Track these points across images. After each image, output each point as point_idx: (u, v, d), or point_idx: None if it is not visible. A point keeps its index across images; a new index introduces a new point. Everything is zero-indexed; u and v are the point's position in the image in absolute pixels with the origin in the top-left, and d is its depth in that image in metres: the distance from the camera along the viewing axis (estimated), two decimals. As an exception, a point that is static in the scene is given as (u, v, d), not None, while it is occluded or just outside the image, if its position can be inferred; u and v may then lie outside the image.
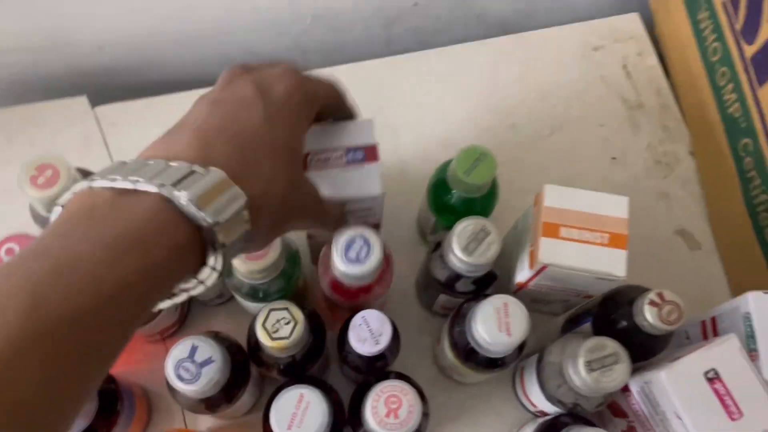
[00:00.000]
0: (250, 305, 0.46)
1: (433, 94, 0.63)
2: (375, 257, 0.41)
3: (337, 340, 0.46)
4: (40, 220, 0.45)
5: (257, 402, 0.50)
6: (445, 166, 0.48)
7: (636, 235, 0.44)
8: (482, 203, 0.48)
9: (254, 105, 0.32)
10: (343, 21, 0.66)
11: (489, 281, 0.47)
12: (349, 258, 0.41)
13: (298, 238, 0.47)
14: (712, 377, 0.39)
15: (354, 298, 0.45)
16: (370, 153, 0.44)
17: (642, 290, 0.43)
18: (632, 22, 0.67)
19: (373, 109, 0.62)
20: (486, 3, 0.69)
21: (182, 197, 0.26)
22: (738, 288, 0.55)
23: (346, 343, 0.44)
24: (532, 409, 0.50)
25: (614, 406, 0.47)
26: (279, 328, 0.40)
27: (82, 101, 0.60)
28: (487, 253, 0.42)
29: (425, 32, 0.71)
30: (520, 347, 0.44)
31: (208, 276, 0.28)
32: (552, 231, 0.43)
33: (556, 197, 0.43)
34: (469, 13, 0.70)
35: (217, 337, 0.43)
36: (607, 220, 0.43)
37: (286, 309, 0.40)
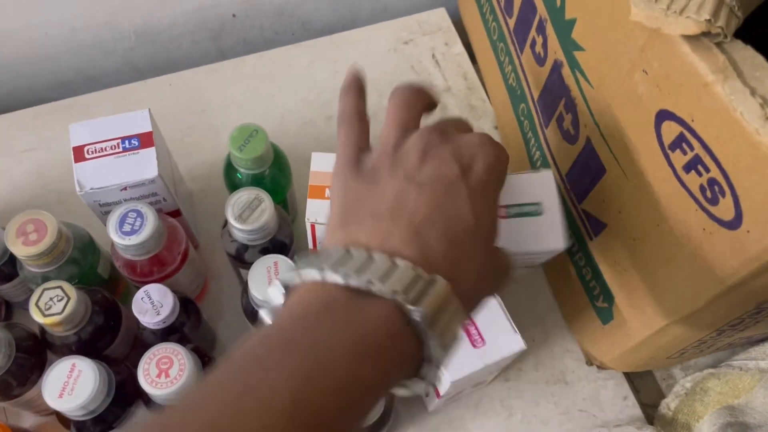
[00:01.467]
0: (47, 296, 0.48)
1: (254, 94, 0.67)
2: (149, 226, 0.44)
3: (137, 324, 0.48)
4: None
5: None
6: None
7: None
8: (271, 179, 0.51)
9: (458, 189, 0.30)
10: (169, 36, 0.70)
11: (279, 250, 0.50)
12: (124, 231, 0.44)
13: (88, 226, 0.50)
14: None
15: (148, 276, 0.47)
16: (145, 139, 0.47)
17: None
18: (439, 15, 0.73)
19: (195, 113, 0.66)
20: (308, 12, 0.74)
21: (415, 313, 0.26)
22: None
23: (139, 323, 0.46)
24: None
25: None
26: (52, 306, 0.42)
27: None
28: (260, 218, 0.46)
29: (255, 43, 0.75)
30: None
31: (416, 385, 0.28)
32: (318, 193, 0.46)
33: (321, 162, 0.47)
34: (293, 23, 0.74)
35: (8, 326, 0.45)
36: (363, 177, 0.46)
37: (60, 287, 0.42)
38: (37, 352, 0.45)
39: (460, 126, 0.35)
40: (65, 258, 0.46)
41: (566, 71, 0.47)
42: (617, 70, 0.40)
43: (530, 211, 0.44)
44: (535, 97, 0.55)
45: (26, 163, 0.62)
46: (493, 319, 0.44)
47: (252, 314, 0.47)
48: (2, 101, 0.67)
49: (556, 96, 0.50)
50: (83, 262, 0.47)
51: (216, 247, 0.59)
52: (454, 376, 0.43)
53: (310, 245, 0.49)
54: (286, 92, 0.68)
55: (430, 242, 0.29)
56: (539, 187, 0.45)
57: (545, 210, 0.44)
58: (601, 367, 0.56)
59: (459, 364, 0.43)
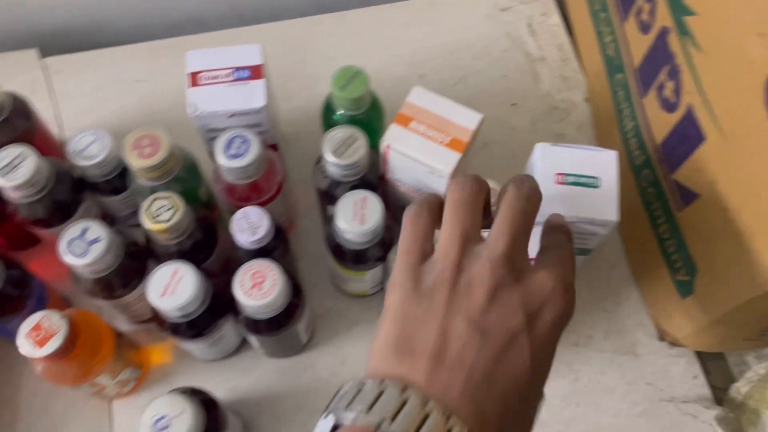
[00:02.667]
0: (152, 210, 0.51)
1: (351, 48, 0.69)
2: (253, 151, 0.46)
3: (230, 246, 0.51)
4: None
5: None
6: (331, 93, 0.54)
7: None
8: (367, 123, 0.53)
9: (522, 342, 0.29)
10: (274, -13, 0.73)
11: (367, 188, 0.51)
12: (230, 154, 0.47)
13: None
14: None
15: (245, 201, 0.50)
16: (255, 72, 0.50)
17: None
18: (539, -15, 0.73)
19: (295, 62, 0.69)
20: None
21: None
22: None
23: (233, 243, 0.49)
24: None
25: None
26: (160, 214, 0.45)
27: (32, 53, 0.67)
28: (354, 155, 0.48)
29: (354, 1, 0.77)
30: (384, 244, 0.49)
31: None
32: (404, 121, 0.48)
33: (419, 97, 0.49)
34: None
35: (112, 227, 0.48)
36: (455, 126, 0.48)
37: (169, 198, 0.46)
38: (139, 258, 0.49)
39: (530, 207, 0.33)
40: (173, 175, 0.49)
41: (673, 38, 0.47)
42: (731, 33, 0.40)
43: (587, 182, 0.46)
44: (635, 66, 0.54)
45: (137, 93, 0.66)
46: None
47: (335, 247, 0.49)
48: (119, 35, 0.71)
49: (659, 64, 0.50)
50: (187, 182, 0.50)
51: (302, 190, 0.61)
52: None
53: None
54: (382, 49, 0.69)
55: (485, 404, 0.28)
56: (601, 163, 0.46)
57: (602, 185, 0.46)
58: (673, 343, 0.55)
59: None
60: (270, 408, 0.53)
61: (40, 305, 0.50)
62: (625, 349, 0.56)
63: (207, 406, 0.43)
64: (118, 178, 0.52)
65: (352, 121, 0.52)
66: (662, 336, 0.56)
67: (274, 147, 0.54)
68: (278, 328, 0.47)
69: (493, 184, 0.47)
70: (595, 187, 0.46)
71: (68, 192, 0.50)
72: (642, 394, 0.54)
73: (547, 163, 0.46)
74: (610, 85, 0.60)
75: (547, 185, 0.46)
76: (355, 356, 0.56)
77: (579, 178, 0.46)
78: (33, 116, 0.54)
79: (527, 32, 0.70)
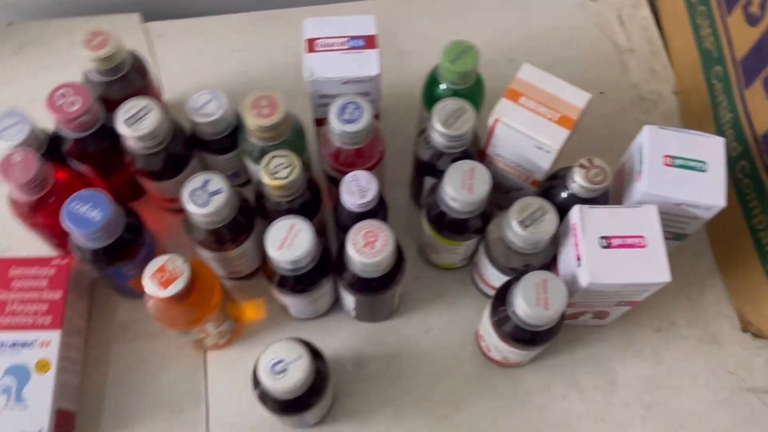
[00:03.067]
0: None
1: (442, 29, 0.70)
2: (366, 117, 0.48)
3: (332, 211, 0.52)
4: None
5: (259, 268, 0.57)
6: (437, 66, 0.55)
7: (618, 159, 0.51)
8: (468, 98, 0.54)
9: None
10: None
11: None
12: (344, 119, 0.48)
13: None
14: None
15: (349, 167, 0.52)
16: (369, 41, 0.52)
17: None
18: (630, -22, 0.73)
19: (385, 38, 0.70)
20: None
21: None
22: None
23: (338, 205, 0.51)
24: (491, 293, 0.55)
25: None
26: (278, 171, 0.47)
27: (134, 17, 0.69)
28: (463, 126, 0.49)
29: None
30: (484, 216, 0.50)
31: None
32: (514, 96, 0.49)
33: (529, 74, 0.50)
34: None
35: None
36: (564, 104, 0.49)
37: (286, 156, 0.47)
38: (249, 215, 0.51)
39: None
40: (284, 137, 0.51)
41: (788, 29, 0.47)
42: None
43: (695, 166, 0.47)
44: (738, 58, 0.55)
45: (233, 61, 0.68)
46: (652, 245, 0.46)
47: (437, 217, 0.51)
48: (215, 5, 0.73)
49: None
50: (295, 145, 0.52)
51: (389, 163, 0.63)
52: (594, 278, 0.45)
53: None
54: (472, 31, 0.70)
55: None
56: (709, 149, 0.47)
57: (709, 169, 0.47)
58: (757, 335, 0.56)
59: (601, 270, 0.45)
60: (356, 369, 0.55)
61: (150, 255, 0.52)
62: (708, 338, 0.57)
63: (315, 356, 0.45)
64: (228, 138, 0.54)
65: (455, 95, 0.53)
66: (746, 327, 0.56)
67: (376, 117, 0.55)
68: (380, 289, 0.48)
69: (599, 162, 0.48)
70: (703, 171, 0.47)
71: (182, 148, 0.53)
72: (724, 382, 0.55)
73: (655, 144, 0.47)
74: (705, 77, 0.61)
75: (655, 166, 0.47)
76: (440, 326, 0.57)
77: (687, 161, 0.47)
78: (148, 75, 0.56)
79: (617, 23, 0.71)
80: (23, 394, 0.49)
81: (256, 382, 0.44)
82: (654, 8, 0.72)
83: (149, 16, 0.70)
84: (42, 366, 0.50)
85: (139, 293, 0.55)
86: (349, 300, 0.52)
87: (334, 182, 0.54)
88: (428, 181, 0.55)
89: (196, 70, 0.67)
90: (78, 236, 0.46)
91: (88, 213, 0.45)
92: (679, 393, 0.55)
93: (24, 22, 0.70)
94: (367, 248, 0.45)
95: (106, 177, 0.55)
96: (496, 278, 0.52)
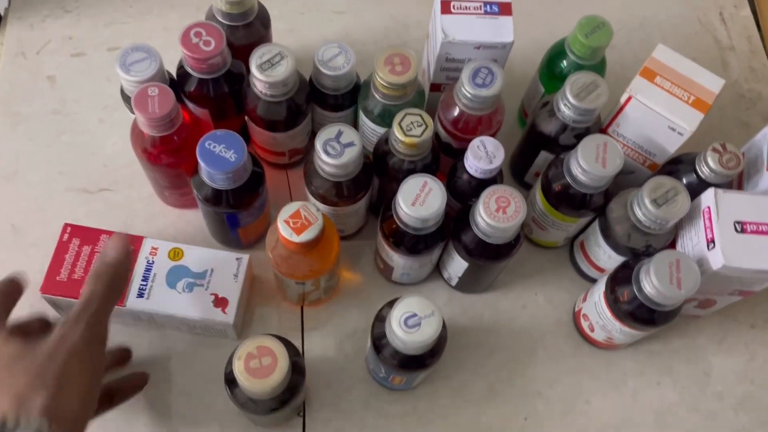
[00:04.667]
0: (377, 129, 0.52)
1: (545, 7, 0.70)
2: (498, 82, 0.48)
3: (447, 175, 0.52)
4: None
5: (362, 229, 0.57)
6: (562, 40, 0.54)
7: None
8: (590, 76, 0.54)
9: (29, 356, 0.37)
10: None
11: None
12: (476, 83, 0.48)
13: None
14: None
15: (467, 134, 0.51)
16: (504, 8, 0.51)
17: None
18: (732, -23, 0.73)
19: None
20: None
21: None
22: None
23: (457, 169, 0.50)
24: (595, 274, 0.55)
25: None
26: (412, 128, 0.47)
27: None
28: (597, 100, 0.49)
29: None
30: (607, 194, 0.50)
31: None
32: (649, 75, 0.49)
33: (664, 55, 0.50)
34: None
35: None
36: (699, 87, 0.48)
37: (420, 116, 0.47)
38: (369, 174, 0.50)
39: None
40: (408, 98, 0.50)
41: None
42: None
43: None
44: None
45: (336, 23, 0.67)
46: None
47: (559, 191, 0.50)
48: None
49: None
50: (415, 107, 0.52)
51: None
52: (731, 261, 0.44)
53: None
54: (575, 12, 0.70)
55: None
56: None
57: None
58: None
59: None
60: (452, 339, 0.54)
61: (263, 206, 0.52)
62: (802, 337, 0.57)
63: None
64: (348, 95, 0.53)
65: (577, 69, 0.53)
66: (841, 330, 0.56)
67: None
68: (500, 256, 0.48)
69: (731, 147, 0.48)
70: None
71: (303, 100, 0.52)
72: (817, 382, 0.55)
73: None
74: (816, 78, 0.60)
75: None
76: (536, 303, 0.57)
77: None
78: (270, 27, 0.56)
79: (718, 20, 0.71)
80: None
81: (377, 331, 0.44)
82: (753, 9, 0.72)
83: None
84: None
85: (245, 243, 0.55)
86: (458, 267, 0.52)
87: (447, 151, 0.54)
88: (543, 156, 0.55)
89: (299, 27, 0.67)
90: (210, 175, 0.45)
91: (224, 153, 0.45)
92: (772, 389, 0.55)
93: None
94: (499, 213, 0.45)
95: (219, 123, 0.54)
96: (606, 259, 0.52)
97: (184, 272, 0.50)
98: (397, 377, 0.47)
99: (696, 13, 0.71)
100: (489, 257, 0.48)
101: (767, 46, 0.69)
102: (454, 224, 0.49)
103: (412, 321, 0.42)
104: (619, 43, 0.69)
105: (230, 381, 0.43)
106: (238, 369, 0.39)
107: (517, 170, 0.60)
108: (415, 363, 0.45)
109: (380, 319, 0.45)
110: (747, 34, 0.70)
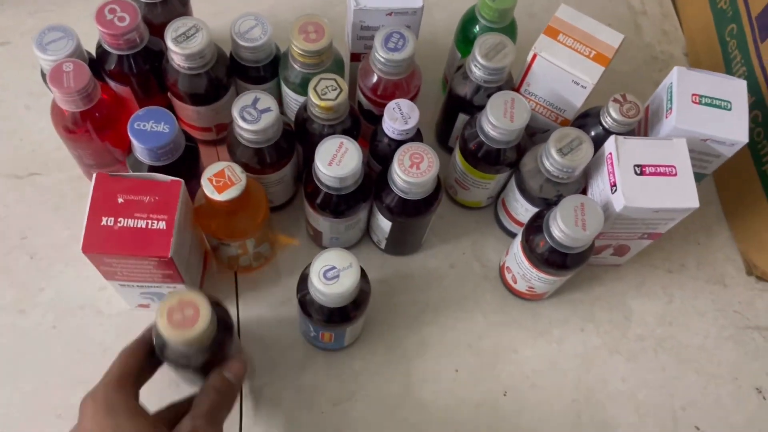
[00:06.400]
0: (299, 98, 0.54)
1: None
2: (410, 46, 0.50)
3: (370, 137, 0.54)
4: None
5: (294, 199, 0.58)
6: (473, 7, 0.57)
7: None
8: (502, 41, 0.56)
9: None
10: None
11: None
12: (389, 47, 0.50)
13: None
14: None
15: (391, 98, 0.53)
16: (414, -24, 0.53)
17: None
18: (642, -55, 0.76)
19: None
20: None
21: None
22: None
23: (377, 133, 0.52)
24: (516, 229, 0.57)
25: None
26: (327, 92, 0.48)
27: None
28: (504, 60, 0.51)
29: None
30: (519, 149, 0.52)
31: None
32: (552, 34, 0.52)
33: (566, 13, 0.52)
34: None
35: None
36: (599, 42, 0.51)
37: (334, 80, 0.49)
38: (290, 141, 0.52)
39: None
40: (327, 65, 0.52)
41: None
42: None
43: (720, 104, 0.50)
44: (754, 14, 0.58)
45: (263, 3, 0.69)
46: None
47: (473, 149, 0.52)
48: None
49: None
50: (336, 72, 0.53)
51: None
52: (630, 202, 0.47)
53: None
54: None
55: None
56: (732, 90, 0.51)
57: (733, 108, 0.50)
58: (761, 278, 0.59)
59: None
60: (385, 299, 0.57)
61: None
62: (715, 279, 0.60)
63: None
64: (268, 67, 0.55)
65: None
66: (750, 270, 0.60)
67: (411, 55, 0.57)
68: (419, 213, 0.50)
69: (631, 97, 0.51)
70: (728, 110, 0.50)
71: (224, 73, 0.53)
72: (730, 320, 0.58)
73: (684, 84, 0.50)
74: (719, 37, 0.64)
75: (684, 103, 0.50)
76: (464, 262, 0.59)
77: (713, 100, 0.50)
78: (188, 4, 0.57)
79: (631, -14, 0.74)
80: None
81: (301, 289, 0.46)
82: (665, -25, 0.75)
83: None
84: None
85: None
86: (383, 228, 0.53)
87: (369, 118, 0.56)
88: (461, 119, 0.57)
89: (225, 11, 0.68)
90: (147, 152, 0.46)
91: (155, 127, 0.46)
92: (689, 329, 0.58)
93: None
94: (413, 168, 0.47)
95: (142, 101, 0.55)
96: (524, 212, 0.54)
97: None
98: (326, 333, 0.49)
99: (610, -19, 0.74)
100: (410, 214, 0.50)
101: (679, 8, 0.73)
102: (376, 185, 0.51)
103: (330, 273, 0.43)
104: (538, 13, 0.72)
105: (161, 345, 0.43)
106: (162, 325, 0.40)
107: (442, 136, 0.62)
108: (339, 316, 0.46)
109: (303, 277, 0.47)
110: (658, -1, 0.74)
